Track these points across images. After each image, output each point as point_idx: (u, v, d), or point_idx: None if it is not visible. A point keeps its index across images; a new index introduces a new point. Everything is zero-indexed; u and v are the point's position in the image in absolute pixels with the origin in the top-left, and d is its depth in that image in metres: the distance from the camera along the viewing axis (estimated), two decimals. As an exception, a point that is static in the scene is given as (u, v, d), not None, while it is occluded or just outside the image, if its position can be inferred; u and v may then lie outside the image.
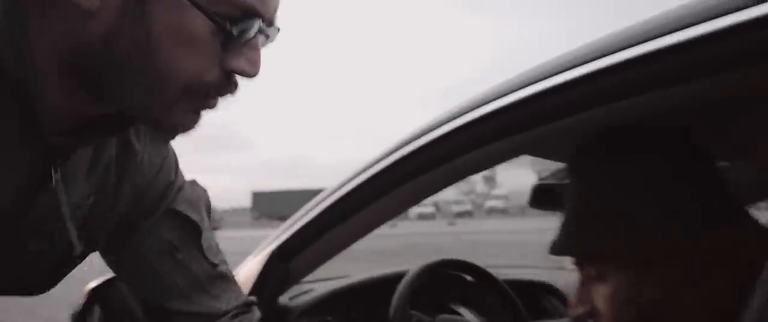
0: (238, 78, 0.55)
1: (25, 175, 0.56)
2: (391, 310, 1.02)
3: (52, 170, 0.57)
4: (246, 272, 1.03)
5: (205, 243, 0.75)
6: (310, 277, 1.11)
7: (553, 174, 1.12)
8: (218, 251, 0.77)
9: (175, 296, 0.73)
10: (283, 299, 1.13)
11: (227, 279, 0.77)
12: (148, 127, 0.64)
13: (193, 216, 0.74)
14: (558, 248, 0.66)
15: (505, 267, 1.59)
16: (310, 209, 0.96)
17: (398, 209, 0.95)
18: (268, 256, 1.01)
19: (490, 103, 0.69)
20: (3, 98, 0.52)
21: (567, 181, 0.71)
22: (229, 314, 0.75)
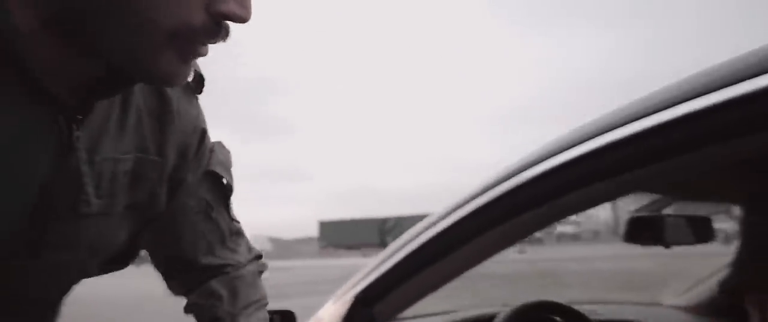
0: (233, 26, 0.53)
1: (51, 136, 0.55)
2: None
3: (72, 127, 0.56)
4: (328, 318, 1.00)
5: (231, 206, 0.79)
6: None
7: (649, 206, 1.05)
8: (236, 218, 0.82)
9: (204, 251, 0.77)
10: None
11: (242, 234, 0.83)
12: (140, 80, 0.59)
13: (226, 177, 0.77)
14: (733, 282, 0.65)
15: (589, 303, 1.54)
16: (395, 251, 0.94)
17: (491, 251, 0.90)
18: (351, 301, 0.98)
19: (597, 138, 0.65)
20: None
21: (664, 213, 0.71)
22: (244, 265, 0.81)
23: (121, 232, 0.67)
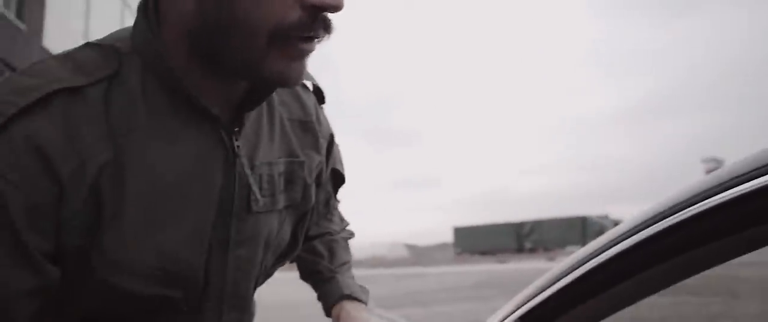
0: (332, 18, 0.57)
1: (218, 150, 0.64)
2: None
3: (232, 139, 0.65)
4: None
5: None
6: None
7: None
8: None
9: (314, 223, 0.90)
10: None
11: (337, 207, 0.98)
12: (261, 85, 0.65)
13: (343, 172, 0.90)
14: None
15: None
16: (568, 268, 0.79)
17: (672, 279, 0.71)
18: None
19: None
20: (168, 94, 0.61)
21: None
22: (338, 232, 0.96)
23: (286, 228, 0.75)
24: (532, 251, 32.12)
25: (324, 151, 0.81)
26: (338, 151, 0.89)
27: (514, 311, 0.86)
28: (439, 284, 14.64)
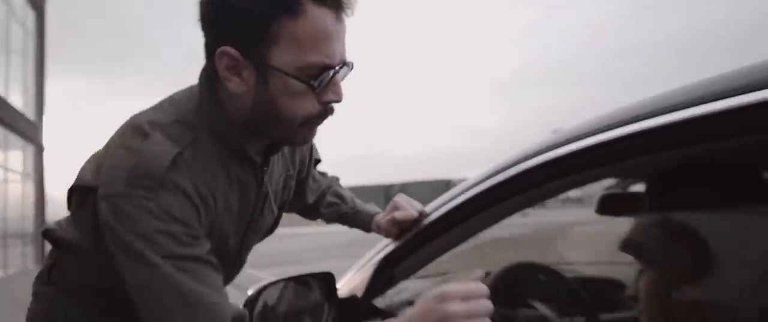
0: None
1: (254, 181, 0.98)
2: None
3: (263, 174, 0.99)
4: (356, 280, 1.24)
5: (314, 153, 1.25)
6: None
7: (618, 184, 1.25)
8: None
9: (312, 194, 1.27)
10: (382, 301, 1.25)
11: (328, 176, 1.34)
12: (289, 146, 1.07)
13: (318, 155, 1.26)
14: (625, 248, 0.92)
15: (582, 264, 1.81)
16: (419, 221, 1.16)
17: (499, 218, 1.10)
18: (376, 265, 1.21)
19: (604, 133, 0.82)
20: (227, 149, 0.91)
21: (632, 191, 0.93)
22: (330, 184, 1.32)
23: (274, 217, 1.10)
24: (400, 212, 33.52)
25: (307, 155, 1.19)
26: (314, 146, 1.24)
27: (376, 254, 1.21)
28: (313, 243, 15.42)
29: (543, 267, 1.31)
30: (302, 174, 1.21)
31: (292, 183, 1.14)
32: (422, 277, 1.46)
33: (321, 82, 0.83)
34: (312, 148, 1.22)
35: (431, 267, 1.30)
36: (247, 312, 0.87)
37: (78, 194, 0.92)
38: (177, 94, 0.95)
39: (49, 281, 1.03)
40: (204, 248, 0.84)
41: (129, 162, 0.82)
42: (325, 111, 0.88)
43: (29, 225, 14.66)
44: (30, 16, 15.01)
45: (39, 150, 15.34)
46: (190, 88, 0.94)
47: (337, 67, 0.84)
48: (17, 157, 13.95)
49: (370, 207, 1.29)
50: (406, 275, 1.25)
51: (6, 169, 12.95)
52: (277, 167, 1.06)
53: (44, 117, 15.71)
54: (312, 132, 0.91)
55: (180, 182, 0.82)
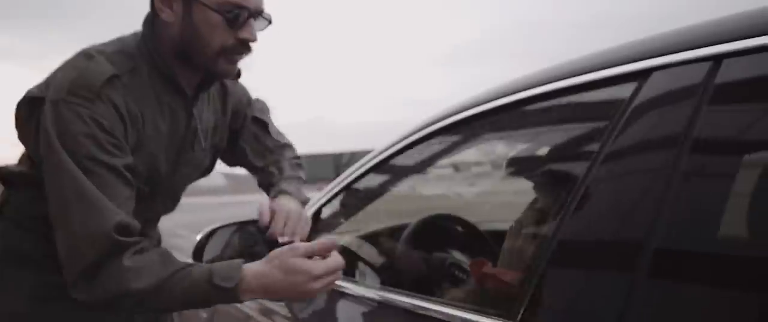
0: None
1: (184, 112, 1.10)
2: (398, 249, 1.41)
3: (191, 107, 1.11)
4: None
5: (272, 130, 1.34)
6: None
7: (522, 150, 1.35)
8: (281, 135, 1.37)
9: (257, 157, 1.32)
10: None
11: (286, 147, 1.36)
12: (213, 78, 1.13)
13: (264, 117, 1.34)
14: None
15: (501, 222, 1.80)
16: (342, 180, 1.36)
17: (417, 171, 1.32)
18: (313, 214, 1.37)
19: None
20: (161, 79, 1.06)
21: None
22: (284, 163, 1.32)
23: (208, 159, 1.22)
24: (349, 179, 33.71)
25: (241, 108, 1.29)
26: (256, 103, 1.34)
27: (310, 208, 1.37)
28: (206, 217, 14.87)
29: (462, 220, 1.46)
30: (235, 124, 1.30)
31: (224, 129, 1.25)
32: (343, 233, 1.60)
33: (235, 17, 1.01)
34: (250, 103, 1.32)
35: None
36: (136, 223, 0.95)
37: (26, 106, 1.03)
38: (125, 35, 1.09)
39: (1, 216, 1.11)
40: (122, 160, 0.97)
41: (73, 74, 0.97)
42: (241, 46, 1.04)
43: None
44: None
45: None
46: (136, 32, 1.09)
47: (251, 11, 1.02)
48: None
49: (292, 187, 1.26)
50: (333, 227, 1.43)
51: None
52: (208, 108, 1.18)
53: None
54: (232, 65, 1.07)
55: (113, 97, 0.97)
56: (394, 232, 1.53)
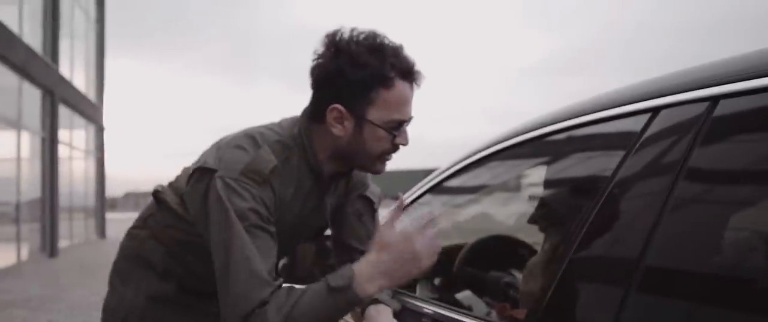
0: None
1: (316, 195, 1.26)
2: (455, 268, 1.51)
3: (326, 193, 1.29)
4: None
5: (377, 217, 1.42)
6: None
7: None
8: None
9: (355, 239, 1.40)
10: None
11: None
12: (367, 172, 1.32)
13: (373, 199, 1.42)
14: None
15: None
16: (413, 192, 1.52)
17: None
18: None
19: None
20: (309, 172, 1.22)
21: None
22: None
23: (314, 231, 1.38)
24: (441, 193, 34.00)
25: (358, 190, 1.40)
26: (373, 187, 1.43)
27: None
28: None
29: (513, 239, 1.54)
30: (341, 199, 1.39)
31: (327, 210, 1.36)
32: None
33: (399, 132, 1.18)
34: (365, 187, 1.42)
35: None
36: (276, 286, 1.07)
37: (199, 172, 1.19)
38: (285, 120, 1.27)
39: (145, 225, 1.35)
40: (272, 228, 1.15)
41: (246, 158, 1.15)
42: (395, 149, 1.21)
43: (91, 200, 15.71)
44: (91, 3, 15.95)
45: (99, 130, 16.30)
46: (293, 118, 1.26)
47: (408, 121, 1.19)
48: (80, 136, 14.83)
49: (384, 295, 1.30)
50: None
51: (71, 147, 13.81)
52: (332, 192, 1.34)
53: (104, 99, 16.64)
54: (383, 164, 1.23)
55: (274, 183, 1.16)
56: (452, 251, 1.62)
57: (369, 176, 1.42)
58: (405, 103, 1.16)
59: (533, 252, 1.54)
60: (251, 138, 1.19)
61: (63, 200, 12.42)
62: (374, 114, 1.14)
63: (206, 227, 1.14)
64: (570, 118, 1.03)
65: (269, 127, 1.24)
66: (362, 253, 1.23)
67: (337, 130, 1.17)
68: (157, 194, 1.34)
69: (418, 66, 1.17)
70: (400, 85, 1.14)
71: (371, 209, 1.41)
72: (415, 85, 1.18)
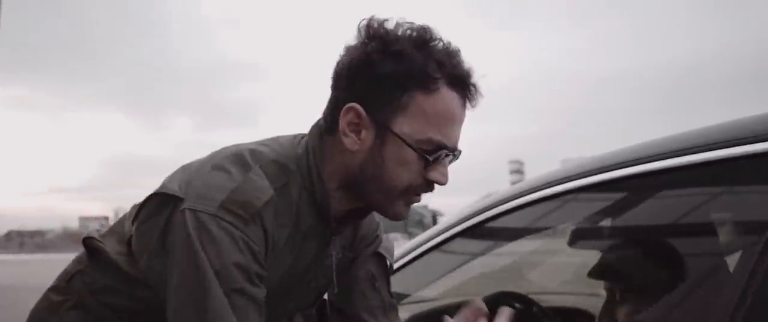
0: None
1: (317, 243, 0.93)
2: None
3: (331, 240, 0.95)
4: None
5: (390, 281, 1.09)
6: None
7: (587, 219, 1.44)
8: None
9: (366, 312, 1.04)
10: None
11: (396, 309, 1.11)
12: (380, 215, 0.96)
13: (388, 258, 1.09)
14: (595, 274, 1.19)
15: (548, 294, 1.89)
16: (422, 243, 1.43)
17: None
18: None
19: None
20: (311, 207, 0.89)
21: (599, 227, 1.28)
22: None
23: (313, 296, 1.04)
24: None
25: (368, 241, 1.08)
26: (385, 241, 1.10)
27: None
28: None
29: (521, 297, 1.42)
30: (349, 253, 1.06)
31: (348, 260, 1.06)
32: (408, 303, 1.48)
33: (435, 159, 0.85)
34: (377, 238, 1.09)
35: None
36: None
37: (156, 201, 0.87)
38: (284, 136, 0.96)
39: (69, 287, 0.96)
40: (263, 291, 0.84)
41: (228, 185, 0.82)
42: (427, 186, 0.88)
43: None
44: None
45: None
46: (296, 135, 0.95)
47: (450, 150, 0.87)
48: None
49: None
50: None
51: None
52: (339, 243, 1.00)
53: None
54: (407, 207, 0.90)
55: (266, 221, 0.83)
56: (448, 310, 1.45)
57: (381, 223, 1.10)
58: (449, 119, 0.86)
59: (542, 309, 1.38)
60: (238, 157, 0.87)
61: None
62: (404, 125, 0.84)
63: (163, 283, 0.82)
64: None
65: (263, 143, 0.93)
66: None
67: (349, 141, 0.86)
68: (89, 241, 0.96)
69: (476, 78, 0.87)
70: (447, 93, 0.85)
71: (385, 270, 1.08)
72: (467, 102, 0.88)
